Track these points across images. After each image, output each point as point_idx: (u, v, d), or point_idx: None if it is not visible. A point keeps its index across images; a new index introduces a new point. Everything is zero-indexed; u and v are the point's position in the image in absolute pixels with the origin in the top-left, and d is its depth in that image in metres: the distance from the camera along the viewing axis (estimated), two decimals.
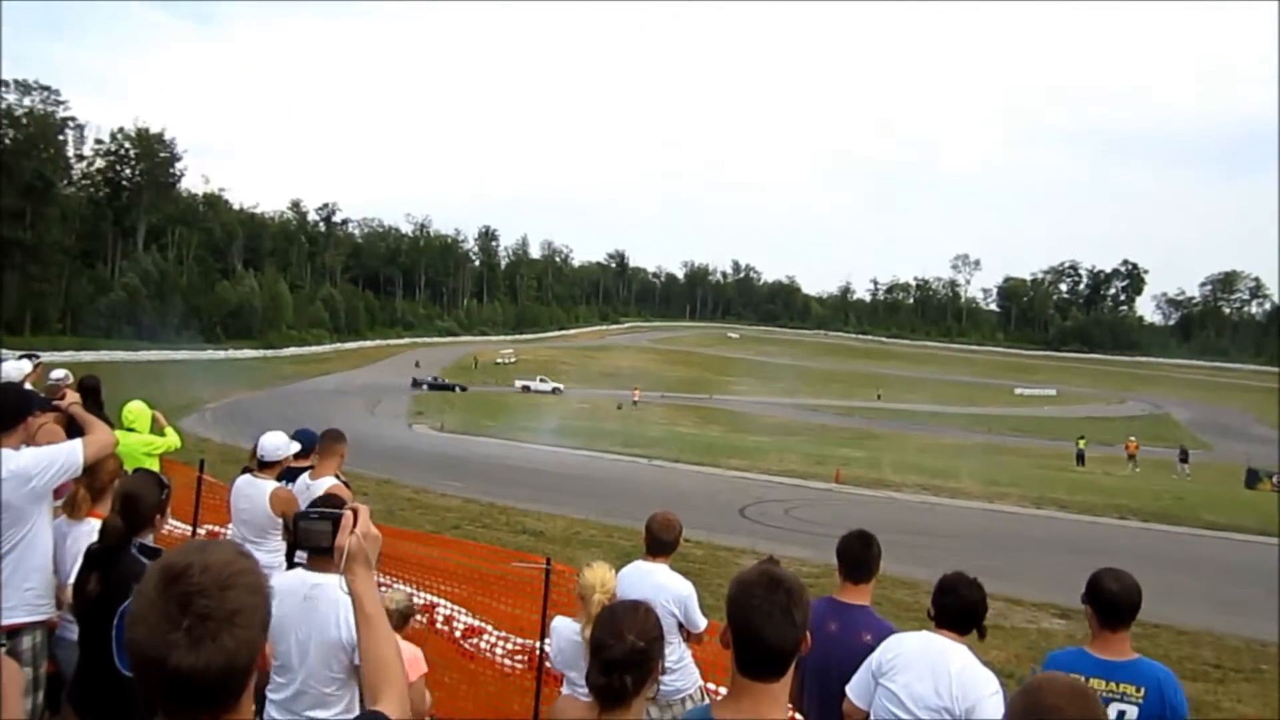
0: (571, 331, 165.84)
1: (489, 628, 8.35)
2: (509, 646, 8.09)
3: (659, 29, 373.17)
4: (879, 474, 34.44)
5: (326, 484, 6.01)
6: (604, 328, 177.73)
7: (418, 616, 8.47)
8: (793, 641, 2.15)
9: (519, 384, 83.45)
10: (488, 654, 8.07)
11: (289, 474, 6.61)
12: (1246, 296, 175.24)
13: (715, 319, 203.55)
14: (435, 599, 8.80)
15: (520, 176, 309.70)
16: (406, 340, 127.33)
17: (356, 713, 3.78)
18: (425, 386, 76.91)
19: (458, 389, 77.48)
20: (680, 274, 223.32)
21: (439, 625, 8.60)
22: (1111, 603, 3.82)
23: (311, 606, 3.59)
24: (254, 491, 6.33)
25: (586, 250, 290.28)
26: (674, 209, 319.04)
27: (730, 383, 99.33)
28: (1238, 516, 28.50)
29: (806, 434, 59.38)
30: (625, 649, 2.47)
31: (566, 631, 4.40)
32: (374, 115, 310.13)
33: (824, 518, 22.64)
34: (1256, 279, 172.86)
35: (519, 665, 7.63)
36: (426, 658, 4.86)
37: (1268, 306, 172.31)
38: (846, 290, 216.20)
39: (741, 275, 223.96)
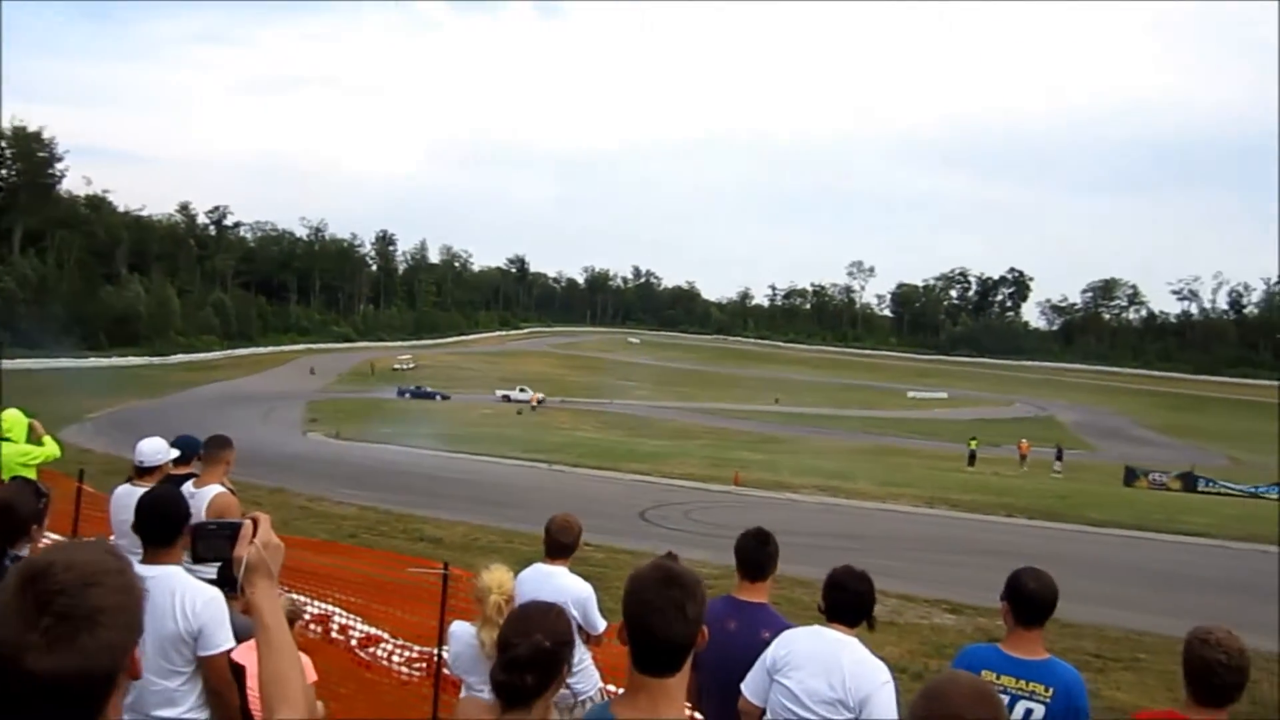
0: (471, 337, 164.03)
1: (386, 636, 8.22)
2: (407, 654, 7.97)
3: (558, 33, 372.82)
4: (778, 476, 34.88)
5: (212, 492, 5.82)
6: (504, 333, 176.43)
7: (312, 626, 8.29)
8: (687, 636, 2.13)
9: (499, 393, 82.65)
10: (385, 662, 7.96)
11: (172, 483, 6.38)
12: (1125, 303, 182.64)
13: (616, 324, 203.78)
14: (330, 608, 8.62)
15: (419, 181, 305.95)
16: (301, 346, 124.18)
17: (205, 712, 3.67)
18: (408, 395, 77.60)
19: (439, 398, 77.79)
20: (581, 279, 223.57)
21: (334, 635, 8.44)
22: (1029, 601, 3.86)
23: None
24: (134, 501, 6.10)
25: (486, 255, 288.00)
26: (574, 215, 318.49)
27: (631, 388, 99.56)
28: (1117, 513, 29.89)
29: (706, 438, 59.83)
30: (530, 649, 2.45)
31: (464, 635, 4.34)
32: (268, 116, 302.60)
33: (723, 520, 22.82)
34: (1134, 286, 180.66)
35: (417, 673, 7.53)
36: (322, 667, 4.75)
37: (1144, 313, 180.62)
38: (745, 296, 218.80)
39: (642, 281, 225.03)
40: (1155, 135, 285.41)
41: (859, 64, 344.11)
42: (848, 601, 3.95)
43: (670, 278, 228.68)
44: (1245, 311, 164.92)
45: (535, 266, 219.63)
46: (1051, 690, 3.73)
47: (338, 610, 8.45)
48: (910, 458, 54.66)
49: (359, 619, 8.51)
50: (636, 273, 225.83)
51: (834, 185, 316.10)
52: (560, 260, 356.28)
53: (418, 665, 7.61)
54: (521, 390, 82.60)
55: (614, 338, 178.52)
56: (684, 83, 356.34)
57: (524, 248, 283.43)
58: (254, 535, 2.11)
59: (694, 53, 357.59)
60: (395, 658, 8.01)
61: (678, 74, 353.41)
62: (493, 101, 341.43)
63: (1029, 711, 3.72)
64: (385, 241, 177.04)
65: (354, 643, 8.47)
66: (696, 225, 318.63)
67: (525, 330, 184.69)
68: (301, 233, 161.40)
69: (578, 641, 4.84)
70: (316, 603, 8.56)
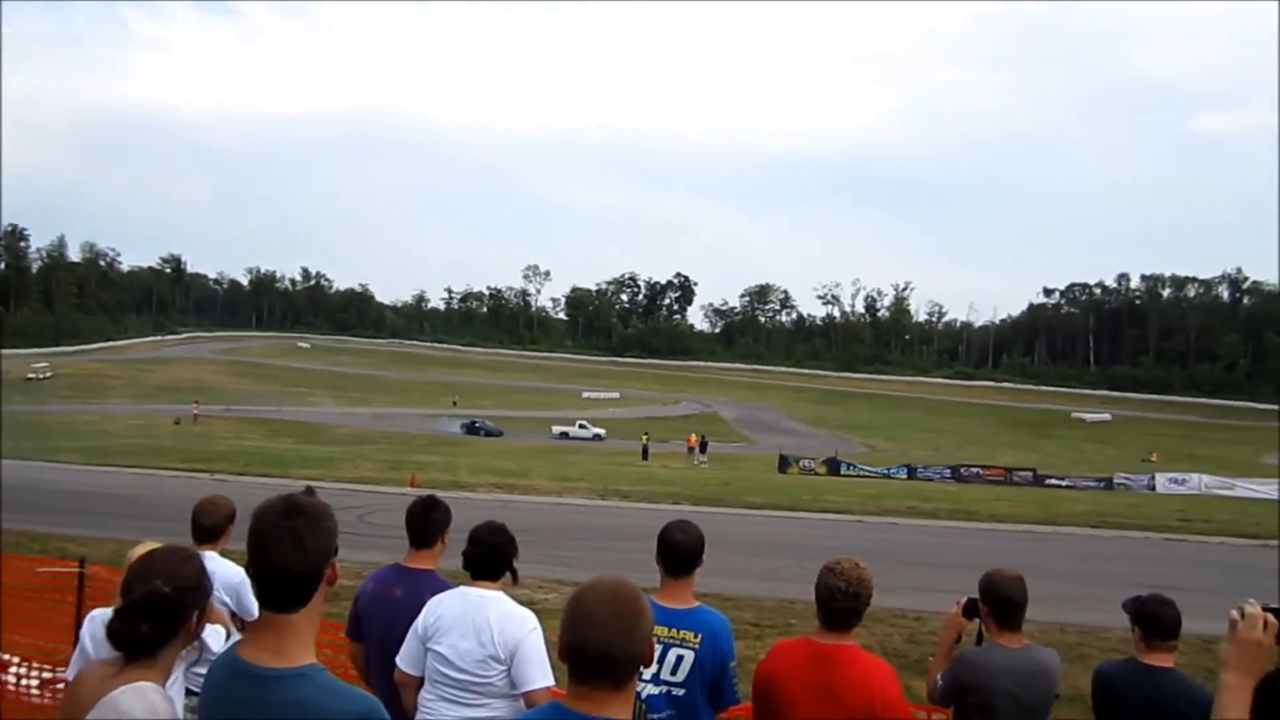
0: (121, 343, 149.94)
1: (15, 661, 7.50)
2: (42, 676, 7.30)
3: (218, 22, 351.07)
4: (455, 477, 34.73)
5: None
6: (159, 339, 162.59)
7: None
8: (305, 567, 2.09)
9: (556, 430, 73.51)
10: (15, 688, 7.26)
11: None
12: (777, 307, 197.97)
13: (284, 328, 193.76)
14: None
15: (53, 173, 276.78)
16: None
17: None
18: (463, 430, 70.73)
19: (483, 433, 69.92)
20: (245, 281, 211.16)
21: None
22: (675, 550, 4.00)
23: None
24: None
25: (137, 254, 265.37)
26: (236, 214, 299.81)
27: (303, 394, 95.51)
28: (773, 497, 32.50)
29: (382, 442, 58.62)
30: (146, 593, 2.30)
31: (101, 617, 3.98)
32: None
33: (399, 521, 22.26)
34: (785, 291, 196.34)
35: (48, 699, 6.93)
36: None
37: (794, 316, 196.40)
38: (421, 299, 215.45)
39: (312, 283, 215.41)
40: (802, 156, 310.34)
41: (530, 67, 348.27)
42: (486, 555, 4.02)
43: (342, 280, 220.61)
44: (878, 315, 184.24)
45: (193, 267, 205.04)
46: (700, 636, 3.90)
47: None
48: (584, 455, 56.19)
49: None
50: (306, 275, 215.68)
51: (508, 191, 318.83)
52: (221, 261, 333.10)
53: (58, 686, 7.01)
54: (581, 426, 74.45)
55: (283, 343, 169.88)
56: (350, 79, 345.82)
57: (180, 246, 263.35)
58: None
59: (362, 48, 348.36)
60: (28, 682, 7.32)
61: (343, 70, 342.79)
62: (137, 90, 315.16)
63: (680, 658, 3.87)
64: (16, 236, 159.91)
65: None
66: (369, 227, 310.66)
67: (183, 335, 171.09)
68: None
69: (233, 628, 4.60)
70: None
